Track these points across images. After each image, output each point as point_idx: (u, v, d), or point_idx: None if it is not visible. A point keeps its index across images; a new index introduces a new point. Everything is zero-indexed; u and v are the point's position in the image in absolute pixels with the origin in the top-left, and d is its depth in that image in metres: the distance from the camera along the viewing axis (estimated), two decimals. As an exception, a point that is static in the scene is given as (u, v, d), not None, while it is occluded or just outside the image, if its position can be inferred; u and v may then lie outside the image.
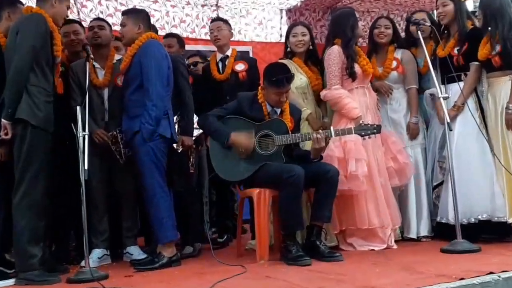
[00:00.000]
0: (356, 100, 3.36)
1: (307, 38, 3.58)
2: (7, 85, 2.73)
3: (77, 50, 3.37)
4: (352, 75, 3.35)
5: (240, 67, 3.77)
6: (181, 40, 4.01)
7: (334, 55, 3.36)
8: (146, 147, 2.99)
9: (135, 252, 3.27)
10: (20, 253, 2.71)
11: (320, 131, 3.11)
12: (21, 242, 2.68)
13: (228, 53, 3.83)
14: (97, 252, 3.18)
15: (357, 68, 3.37)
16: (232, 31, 3.96)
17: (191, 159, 3.45)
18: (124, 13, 3.29)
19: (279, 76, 3.05)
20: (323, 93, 3.43)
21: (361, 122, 3.16)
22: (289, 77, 3.09)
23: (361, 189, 3.20)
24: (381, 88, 3.63)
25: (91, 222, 3.01)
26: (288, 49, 3.63)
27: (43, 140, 2.76)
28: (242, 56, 3.91)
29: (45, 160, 2.76)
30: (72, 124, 2.79)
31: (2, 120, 2.71)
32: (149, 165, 2.99)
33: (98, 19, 3.53)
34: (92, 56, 3.13)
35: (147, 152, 2.99)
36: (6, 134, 2.71)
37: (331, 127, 3.13)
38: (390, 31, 3.68)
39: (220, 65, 3.83)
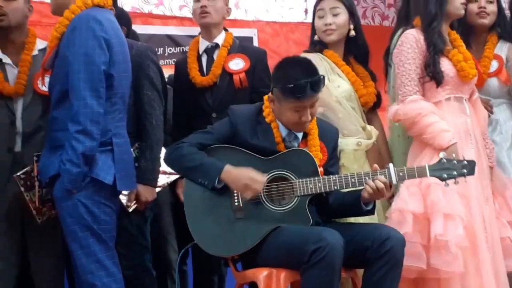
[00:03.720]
0: (448, 121, 3.34)
1: (341, 19, 3.59)
2: None
3: None
4: (436, 77, 3.33)
5: (237, 64, 3.77)
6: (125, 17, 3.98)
7: (409, 45, 3.38)
8: (71, 203, 2.90)
9: None
10: None
11: (379, 173, 3.05)
12: None
13: (219, 40, 3.85)
14: None
15: (446, 65, 3.38)
16: (228, 6, 3.98)
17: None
18: None
19: (299, 80, 2.99)
20: (392, 109, 3.44)
21: (441, 157, 3.06)
22: (316, 81, 3.04)
23: (455, 269, 3.11)
24: None
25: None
26: (316, 37, 3.67)
27: None
28: (242, 47, 3.94)
29: None
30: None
31: None
32: (80, 233, 2.91)
33: None
34: None
35: (74, 211, 2.90)
36: None
37: (390, 165, 3.07)
38: (494, 8, 3.77)
39: (204, 60, 3.86)
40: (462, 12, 3.53)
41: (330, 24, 3.56)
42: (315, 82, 3.01)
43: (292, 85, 2.98)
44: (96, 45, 2.93)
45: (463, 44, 3.51)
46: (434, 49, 3.34)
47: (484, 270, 3.21)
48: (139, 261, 3.47)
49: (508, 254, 3.35)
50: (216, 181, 3.04)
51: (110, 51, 2.99)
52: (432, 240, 3.11)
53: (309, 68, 3.09)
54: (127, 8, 4.07)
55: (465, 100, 3.45)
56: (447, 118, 3.33)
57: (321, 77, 3.08)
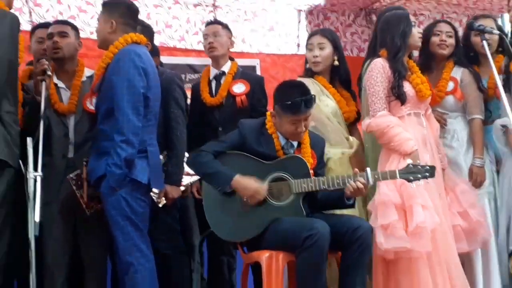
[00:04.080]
0: (410, 132, 3.36)
1: (326, 52, 3.64)
2: None
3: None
4: (400, 97, 3.37)
5: (239, 88, 3.79)
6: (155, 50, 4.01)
7: (376, 71, 3.40)
8: (115, 198, 3.00)
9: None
10: None
11: (359, 176, 3.08)
12: None
13: (225, 68, 3.87)
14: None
15: (408, 87, 3.41)
16: (233, 38, 4.01)
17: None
18: (102, 4, 3.37)
19: (295, 99, 3.08)
20: (365, 122, 3.44)
21: (408, 163, 3.13)
22: (309, 99, 3.12)
23: (426, 249, 3.15)
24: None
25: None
26: (307, 65, 3.73)
27: (15, 183, 2.83)
28: (244, 73, 3.93)
29: (12, 207, 2.84)
30: (20, 161, 2.82)
31: None
32: (121, 221, 3.00)
33: (60, 22, 3.59)
34: (49, 73, 3.14)
35: (117, 205, 3.00)
36: None
37: (368, 169, 3.11)
38: (452, 40, 3.77)
39: (213, 84, 3.87)
40: (419, 44, 3.59)
41: (317, 57, 3.62)
42: (308, 100, 3.09)
43: (289, 103, 3.06)
44: (136, 73, 3.03)
45: (418, 70, 3.52)
46: (399, 75, 3.35)
47: (440, 252, 3.23)
48: (175, 243, 3.54)
49: (458, 238, 3.36)
50: (227, 187, 3.11)
51: (147, 78, 3.08)
52: (411, 227, 3.11)
53: (303, 89, 3.15)
54: (156, 42, 4.15)
55: (422, 115, 3.48)
56: (408, 130, 3.35)
57: (313, 96, 3.16)
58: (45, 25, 3.68)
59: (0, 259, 2.81)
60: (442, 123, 3.70)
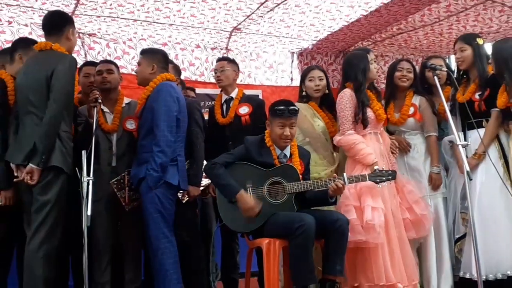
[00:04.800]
0: (370, 146, 3.36)
1: (324, 82, 3.63)
2: (45, 131, 2.76)
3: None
4: (364, 121, 3.36)
5: (244, 110, 3.77)
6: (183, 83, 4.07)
7: (346, 99, 3.38)
8: (151, 195, 3.03)
9: (138, 305, 3.26)
10: None
11: (337, 178, 3.10)
12: None
13: (233, 94, 3.85)
14: (97, 305, 3.18)
15: (369, 113, 3.40)
16: (237, 71, 3.95)
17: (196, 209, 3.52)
18: (142, 52, 3.41)
19: (281, 107, 3.10)
20: (336, 138, 3.44)
21: (375, 168, 3.19)
22: (293, 109, 3.12)
23: (378, 241, 3.15)
24: (400, 144, 3.67)
25: (92, 273, 3.02)
26: (304, 92, 3.68)
27: (68, 186, 2.84)
28: (248, 98, 3.89)
29: (65, 207, 2.84)
30: (76, 168, 2.82)
31: (31, 165, 2.75)
32: (154, 214, 3.03)
33: (106, 62, 3.62)
34: (100, 101, 3.20)
35: (152, 200, 3.03)
36: (31, 178, 2.75)
37: (345, 174, 3.14)
38: (411, 75, 3.76)
39: (224, 107, 3.85)
40: (376, 76, 3.63)
41: (318, 85, 3.60)
42: (291, 109, 3.11)
43: (276, 108, 3.12)
44: (171, 100, 3.12)
45: (375, 98, 3.49)
46: (362, 104, 3.35)
47: (393, 240, 3.23)
48: (194, 233, 3.51)
49: (408, 228, 3.34)
50: (232, 199, 3.09)
51: (179, 104, 3.15)
52: (365, 223, 3.13)
53: (289, 103, 3.19)
54: (182, 77, 4.20)
55: (379, 133, 3.47)
56: (369, 145, 3.35)
57: (296, 108, 3.15)
58: (90, 63, 3.72)
59: (58, 242, 2.82)
60: (407, 150, 3.68)
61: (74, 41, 3.04)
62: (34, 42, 3.16)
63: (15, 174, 2.82)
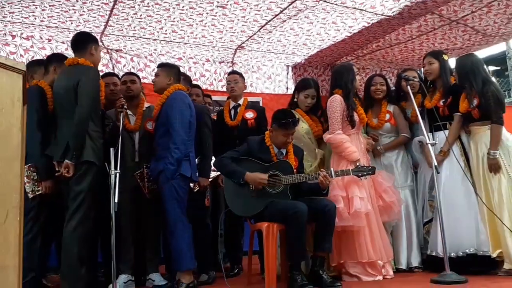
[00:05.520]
0: (354, 145, 3.35)
1: (315, 101, 3.60)
2: (74, 131, 2.79)
3: (115, 98, 3.42)
4: (352, 123, 3.36)
5: (250, 115, 3.78)
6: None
7: (337, 103, 3.36)
8: (169, 185, 3.02)
9: (157, 278, 3.25)
10: (71, 278, 2.71)
11: (324, 171, 3.09)
12: (73, 268, 2.68)
13: (240, 102, 3.86)
14: (123, 277, 3.17)
15: (355, 116, 3.40)
16: (245, 83, 4.00)
17: (206, 196, 3.47)
18: (160, 65, 3.39)
19: (287, 120, 3.08)
20: (326, 136, 3.40)
21: (358, 164, 3.18)
22: (295, 120, 3.14)
23: (362, 225, 3.17)
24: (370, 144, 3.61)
25: (119, 251, 3.01)
26: (295, 100, 3.64)
27: (99, 177, 2.85)
28: (252, 105, 3.91)
29: (96, 195, 2.85)
30: (105, 163, 2.84)
31: (66, 161, 2.78)
32: (171, 201, 3.02)
33: (130, 73, 3.60)
34: (126, 107, 3.22)
35: (170, 189, 3.02)
36: (67, 172, 2.77)
37: (331, 168, 3.13)
38: (384, 87, 3.76)
39: (232, 112, 3.86)
40: (359, 86, 3.63)
41: (309, 103, 3.56)
42: (294, 121, 3.10)
43: (284, 121, 3.07)
44: (184, 106, 3.12)
45: (359, 105, 3.48)
46: (352, 108, 3.35)
47: (373, 224, 3.24)
48: (203, 217, 3.47)
49: (381, 213, 3.32)
50: (241, 180, 3.08)
51: (190, 109, 3.15)
52: (353, 211, 3.12)
53: (291, 114, 3.16)
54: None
55: (360, 134, 3.46)
56: (353, 143, 3.34)
57: (297, 119, 3.17)
58: (110, 74, 3.69)
59: (91, 225, 2.83)
60: (376, 139, 3.67)
61: (97, 55, 3.02)
62: (65, 57, 3.19)
63: (57, 169, 2.85)
